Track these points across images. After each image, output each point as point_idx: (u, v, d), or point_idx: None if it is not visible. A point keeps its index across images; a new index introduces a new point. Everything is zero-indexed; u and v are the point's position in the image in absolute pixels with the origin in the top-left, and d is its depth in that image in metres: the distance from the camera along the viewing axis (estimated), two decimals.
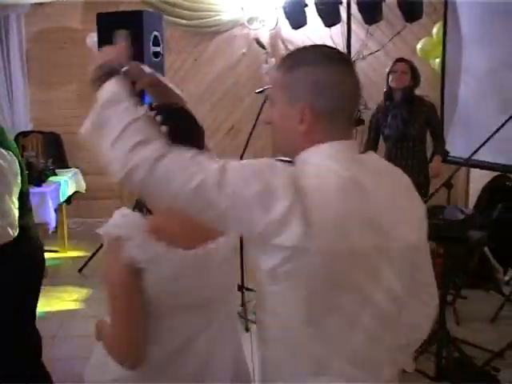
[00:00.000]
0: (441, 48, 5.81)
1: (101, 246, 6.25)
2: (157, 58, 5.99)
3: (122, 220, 1.89)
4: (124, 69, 1.80)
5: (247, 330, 5.06)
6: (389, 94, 5.43)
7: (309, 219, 1.43)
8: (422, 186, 5.37)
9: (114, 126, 1.59)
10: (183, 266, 1.90)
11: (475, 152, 4.27)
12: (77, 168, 7.14)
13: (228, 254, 2.03)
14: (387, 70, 5.42)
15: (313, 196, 1.46)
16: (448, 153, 5.44)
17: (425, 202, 4.25)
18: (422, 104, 5.40)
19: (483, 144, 4.23)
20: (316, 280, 1.48)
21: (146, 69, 1.98)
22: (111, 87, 1.71)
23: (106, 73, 1.76)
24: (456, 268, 4.35)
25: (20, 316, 3.15)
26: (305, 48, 1.71)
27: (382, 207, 1.56)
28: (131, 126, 1.58)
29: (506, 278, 5.80)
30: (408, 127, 5.35)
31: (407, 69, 5.34)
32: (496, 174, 5.74)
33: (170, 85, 2.08)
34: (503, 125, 4.26)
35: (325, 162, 1.55)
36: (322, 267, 1.46)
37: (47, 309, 5.18)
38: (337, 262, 1.48)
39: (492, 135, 4.23)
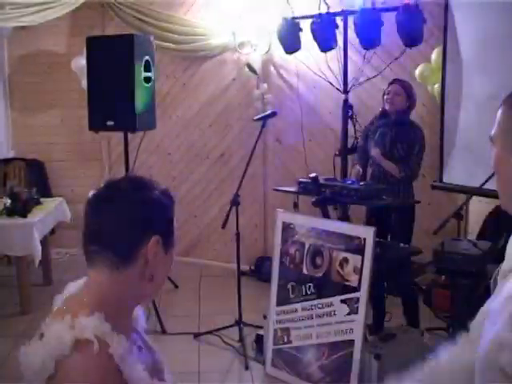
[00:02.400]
0: (439, 74, 5.72)
1: None
2: (148, 83, 5.83)
3: None
4: None
5: (247, 367, 4.85)
6: (383, 113, 5.39)
7: None
8: (406, 210, 5.26)
9: None
10: None
11: (488, 179, 4.14)
12: (60, 197, 6.90)
13: None
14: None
15: None
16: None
17: (434, 233, 4.14)
18: (412, 128, 5.30)
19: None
20: None
21: None
22: None
23: None
24: (464, 300, 4.19)
25: None
26: None
27: None
28: None
29: None
30: (393, 149, 5.26)
31: (400, 90, 5.30)
32: (496, 202, 5.62)
33: None
34: None
35: None
36: None
37: None
38: None
39: None
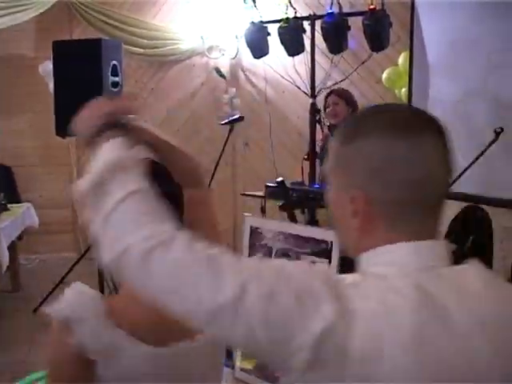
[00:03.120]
0: (406, 78, 5.76)
1: (58, 284, 6.03)
2: (115, 88, 5.80)
3: (75, 298, 1.51)
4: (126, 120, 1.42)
5: None
6: (333, 128, 5.33)
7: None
8: None
9: (112, 195, 1.21)
10: (146, 365, 1.51)
11: (454, 182, 4.17)
12: (29, 202, 6.82)
13: (209, 356, 1.62)
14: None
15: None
16: None
17: None
18: None
19: (462, 173, 4.14)
20: None
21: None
22: (117, 147, 1.31)
23: (107, 125, 1.37)
24: None
25: None
26: (373, 109, 1.30)
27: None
28: (132, 198, 1.21)
29: None
30: None
31: (337, 99, 5.28)
32: (463, 205, 5.66)
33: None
34: (481, 154, 4.19)
35: (386, 275, 1.14)
36: None
37: None
38: None
39: (471, 164, 4.16)
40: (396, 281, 1.11)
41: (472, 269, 1.21)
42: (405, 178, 1.16)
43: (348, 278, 1.14)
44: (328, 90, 5.51)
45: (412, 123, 1.20)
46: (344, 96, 5.29)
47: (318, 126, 5.45)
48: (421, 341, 1.06)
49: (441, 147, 1.20)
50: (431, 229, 1.22)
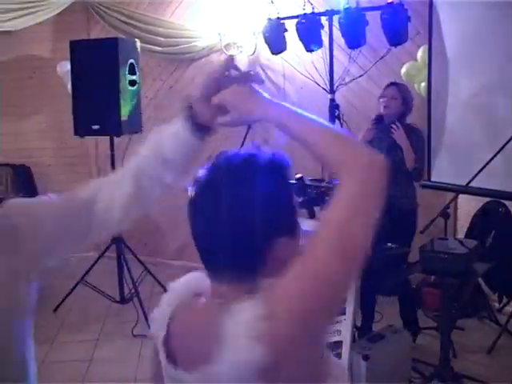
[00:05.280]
0: (425, 72, 5.70)
1: (78, 283, 6.04)
2: (133, 86, 5.81)
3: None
4: None
5: None
6: (379, 118, 5.25)
7: None
8: (411, 213, 5.20)
9: None
10: None
11: (474, 177, 4.13)
12: None
13: None
14: (379, 94, 5.26)
15: None
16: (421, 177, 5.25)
17: (421, 232, 4.11)
18: (409, 131, 5.18)
19: (482, 169, 4.10)
20: None
21: None
22: None
23: None
24: (453, 299, 4.17)
25: None
26: None
27: None
28: None
29: (500, 305, 5.65)
30: (391, 154, 5.14)
31: (397, 94, 5.13)
32: (485, 200, 5.60)
33: None
34: (502, 148, 4.14)
35: None
36: None
37: None
38: None
39: (492, 158, 4.10)
40: None
41: None
42: None
43: None
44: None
45: None
46: (404, 93, 5.16)
47: (337, 122, 5.40)
48: None
49: None
50: None
